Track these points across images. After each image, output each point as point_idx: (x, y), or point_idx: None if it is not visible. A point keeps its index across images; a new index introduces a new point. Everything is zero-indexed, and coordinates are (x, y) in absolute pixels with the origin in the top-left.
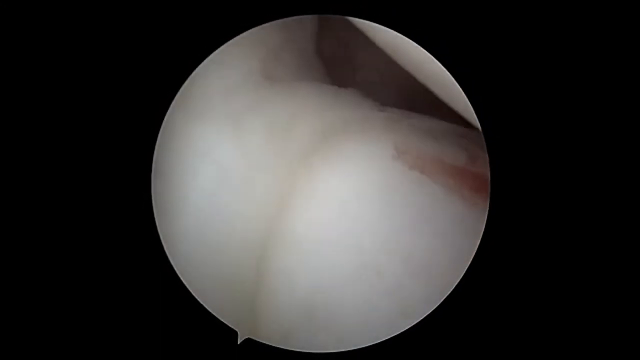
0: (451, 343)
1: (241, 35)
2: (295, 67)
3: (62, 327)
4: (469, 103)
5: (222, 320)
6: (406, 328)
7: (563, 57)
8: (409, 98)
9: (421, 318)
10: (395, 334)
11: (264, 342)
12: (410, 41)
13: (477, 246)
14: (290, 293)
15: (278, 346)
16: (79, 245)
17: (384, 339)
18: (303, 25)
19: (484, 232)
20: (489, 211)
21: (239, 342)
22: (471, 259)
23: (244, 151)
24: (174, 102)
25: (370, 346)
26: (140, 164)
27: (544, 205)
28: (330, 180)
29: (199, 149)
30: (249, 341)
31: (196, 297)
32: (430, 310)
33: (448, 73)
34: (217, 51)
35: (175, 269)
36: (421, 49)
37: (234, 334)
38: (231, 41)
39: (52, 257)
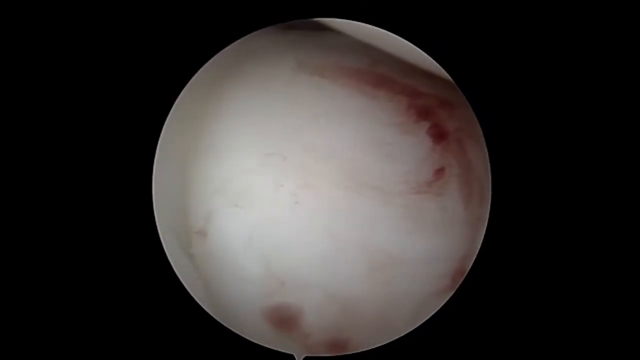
0: (452, 343)
1: None
2: None
3: (62, 326)
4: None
5: None
6: None
7: (563, 57)
8: None
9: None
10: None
11: None
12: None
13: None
14: None
15: None
16: (78, 245)
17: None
18: None
19: (485, 234)
20: (490, 212)
21: None
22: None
23: None
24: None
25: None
26: (140, 163)
27: (543, 205)
28: (238, 97)
29: None
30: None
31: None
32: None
33: None
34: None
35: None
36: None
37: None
38: None
39: (52, 256)
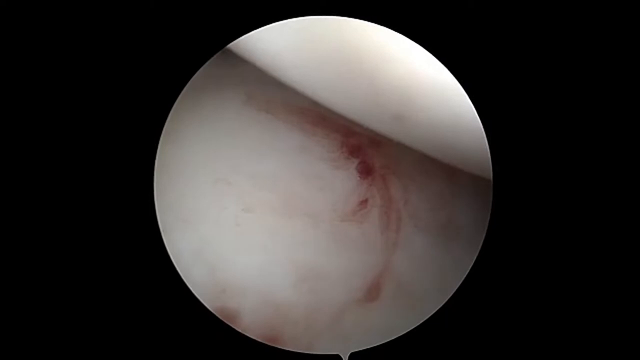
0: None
1: None
2: None
3: (63, 326)
4: None
5: None
6: None
7: (563, 57)
8: None
9: None
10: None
11: None
12: None
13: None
14: None
15: None
16: (78, 244)
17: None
18: None
19: (485, 236)
20: (491, 212)
21: None
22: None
23: None
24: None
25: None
26: (141, 163)
27: (544, 205)
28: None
29: None
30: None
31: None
32: None
33: None
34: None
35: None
36: None
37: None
38: None
39: (52, 256)
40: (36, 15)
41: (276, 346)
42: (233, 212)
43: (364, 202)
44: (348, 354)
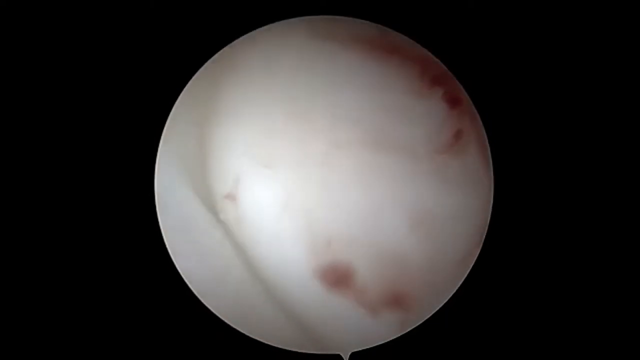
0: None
1: None
2: None
3: (62, 326)
4: None
5: None
6: None
7: (563, 57)
8: None
9: None
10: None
11: None
12: None
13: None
14: None
15: None
16: (79, 244)
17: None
18: None
19: (486, 237)
20: (491, 214)
21: None
22: None
23: None
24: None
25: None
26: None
27: (545, 206)
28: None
29: None
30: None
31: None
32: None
33: None
34: None
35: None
36: None
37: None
38: None
39: (54, 255)
40: (44, 15)
41: (401, 311)
42: (317, 150)
43: (459, 133)
44: (349, 354)
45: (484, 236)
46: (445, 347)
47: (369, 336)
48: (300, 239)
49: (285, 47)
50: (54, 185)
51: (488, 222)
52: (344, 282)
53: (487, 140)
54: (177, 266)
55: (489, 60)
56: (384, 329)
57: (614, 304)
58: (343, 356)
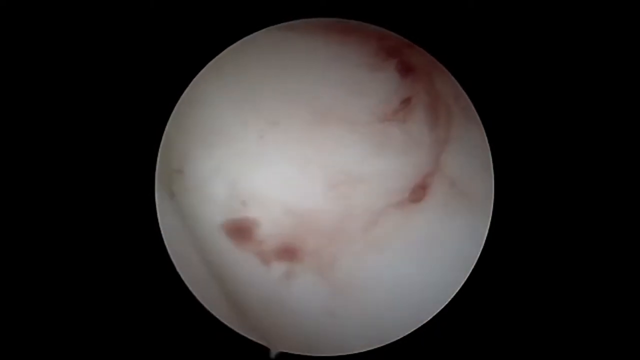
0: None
1: None
2: None
3: (62, 326)
4: None
5: None
6: None
7: (562, 57)
8: None
9: None
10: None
11: None
12: None
13: None
14: None
15: None
16: (79, 244)
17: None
18: None
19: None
20: (493, 215)
21: None
22: None
23: None
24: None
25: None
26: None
27: (546, 206)
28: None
29: None
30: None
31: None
32: None
33: None
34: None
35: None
36: None
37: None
38: None
39: (54, 256)
40: (48, 15)
41: (295, 262)
42: (256, 127)
43: (406, 100)
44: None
45: (408, 196)
46: (442, 349)
47: (264, 285)
48: (222, 200)
49: (248, 44)
50: (53, 185)
51: (421, 183)
52: (246, 236)
53: (445, 97)
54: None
55: (488, 60)
56: (274, 278)
57: (614, 303)
58: (271, 352)
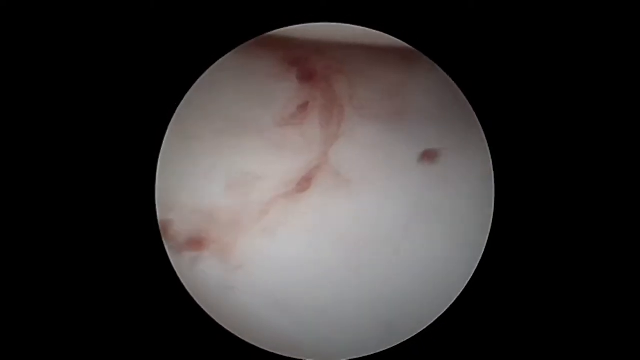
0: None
1: None
2: None
3: (62, 326)
4: None
5: None
6: None
7: (562, 57)
8: None
9: None
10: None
11: None
12: None
13: None
14: None
15: None
16: (79, 244)
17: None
18: None
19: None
20: (493, 215)
21: None
22: None
23: None
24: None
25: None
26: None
27: (546, 206)
28: None
29: None
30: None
31: None
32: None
33: None
34: None
35: None
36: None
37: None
38: None
39: (55, 256)
40: (49, 16)
41: (202, 251)
42: (174, 142)
43: (304, 105)
44: None
45: (295, 187)
46: (445, 348)
47: (179, 268)
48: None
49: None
50: (53, 185)
51: (306, 176)
52: (166, 232)
53: (341, 99)
54: None
55: (488, 60)
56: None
57: (614, 304)
58: None
